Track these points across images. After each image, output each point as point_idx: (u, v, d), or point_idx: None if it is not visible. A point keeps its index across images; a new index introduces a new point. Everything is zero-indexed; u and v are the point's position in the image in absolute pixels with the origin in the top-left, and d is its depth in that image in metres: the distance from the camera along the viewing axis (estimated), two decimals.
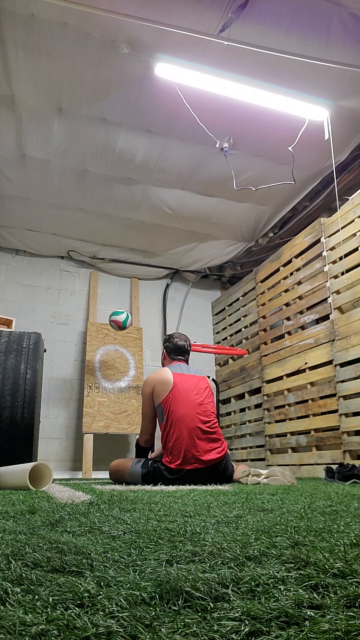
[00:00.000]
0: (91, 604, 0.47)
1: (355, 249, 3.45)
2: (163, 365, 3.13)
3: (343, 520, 1.03)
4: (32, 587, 0.53)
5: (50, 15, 2.73)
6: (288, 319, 4.25)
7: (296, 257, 4.20)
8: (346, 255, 3.55)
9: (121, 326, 4.54)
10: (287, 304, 4.28)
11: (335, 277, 3.65)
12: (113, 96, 3.30)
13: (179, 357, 3.07)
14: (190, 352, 3.18)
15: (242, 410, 4.93)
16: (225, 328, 5.57)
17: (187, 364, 3.10)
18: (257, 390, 4.69)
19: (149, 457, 2.93)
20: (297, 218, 4.80)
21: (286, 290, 4.31)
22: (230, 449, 4.93)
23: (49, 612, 0.44)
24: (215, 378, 5.59)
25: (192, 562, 0.64)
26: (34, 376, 3.27)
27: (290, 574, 0.57)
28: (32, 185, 4.25)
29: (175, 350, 3.08)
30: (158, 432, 2.89)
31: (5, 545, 0.76)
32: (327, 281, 3.72)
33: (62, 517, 1.11)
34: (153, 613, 0.44)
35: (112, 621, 0.42)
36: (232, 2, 2.63)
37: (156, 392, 2.83)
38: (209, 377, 3.13)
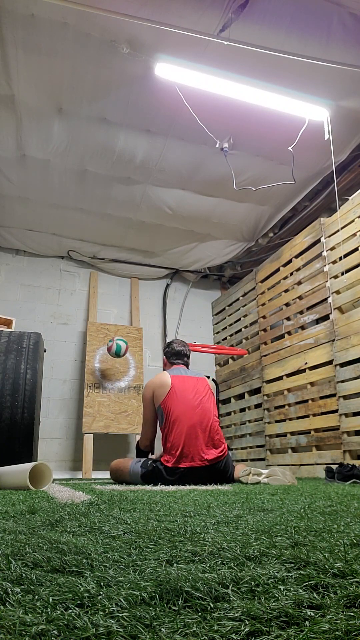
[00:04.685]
0: (91, 604, 0.47)
1: (355, 249, 3.45)
2: (164, 370, 3.18)
3: (343, 520, 1.03)
4: (32, 587, 0.53)
5: (50, 15, 2.73)
6: (288, 319, 4.25)
7: (296, 257, 4.19)
8: (346, 255, 3.55)
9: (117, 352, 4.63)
10: (287, 304, 4.28)
11: (335, 277, 3.65)
12: (113, 96, 3.30)
13: (178, 361, 3.17)
14: (190, 355, 3.29)
15: (242, 410, 4.93)
16: (225, 328, 5.56)
17: (187, 367, 3.20)
18: (257, 390, 4.68)
19: (149, 457, 2.96)
20: (297, 218, 4.80)
21: (286, 290, 4.31)
22: (230, 449, 4.93)
23: (49, 612, 0.44)
24: (215, 378, 5.59)
25: (192, 562, 0.64)
26: (34, 376, 3.26)
27: (290, 574, 0.57)
28: (32, 185, 4.25)
29: (174, 354, 3.19)
30: (159, 435, 2.93)
31: (5, 545, 0.76)
32: (327, 281, 3.72)
33: (62, 517, 1.11)
34: (153, 613, 0.44)
35: (112, 621, 0.42)
36: (232, 2, 2.63)
37: (156, 395, 2.91)
38: (208, 377, 3.18)
